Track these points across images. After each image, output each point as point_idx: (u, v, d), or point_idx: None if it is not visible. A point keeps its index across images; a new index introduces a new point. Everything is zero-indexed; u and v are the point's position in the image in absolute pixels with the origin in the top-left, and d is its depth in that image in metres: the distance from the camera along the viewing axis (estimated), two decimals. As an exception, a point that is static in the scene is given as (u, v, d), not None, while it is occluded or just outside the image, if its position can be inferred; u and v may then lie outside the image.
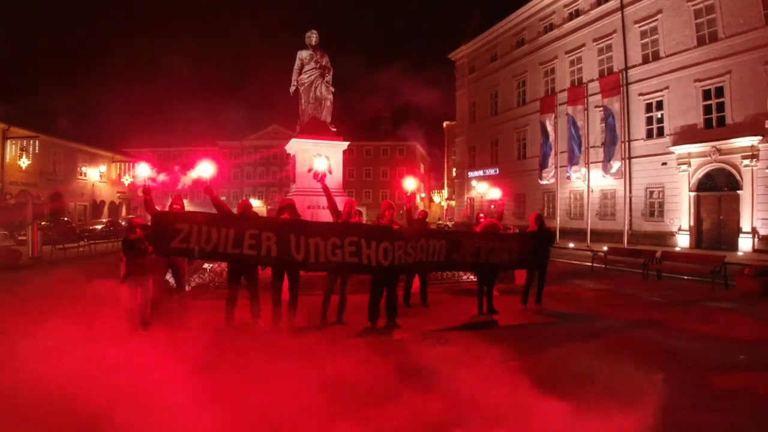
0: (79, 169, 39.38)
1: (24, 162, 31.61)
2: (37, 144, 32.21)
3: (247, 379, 5.06)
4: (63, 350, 5.84)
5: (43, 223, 25.52)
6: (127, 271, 6.38)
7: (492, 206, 33.25)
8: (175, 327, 7.10)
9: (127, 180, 44.06)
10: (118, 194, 44.93)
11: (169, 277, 8.39)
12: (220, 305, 7.36)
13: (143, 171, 6.80)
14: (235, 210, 7.57)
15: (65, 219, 30.90)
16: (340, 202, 8.08)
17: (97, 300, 8.95)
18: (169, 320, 7.55)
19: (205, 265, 11.26)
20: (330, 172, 12.52)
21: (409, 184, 8.30)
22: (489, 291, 8.33)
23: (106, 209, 42.64)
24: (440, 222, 51.04)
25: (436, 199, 74.30)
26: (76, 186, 38.68)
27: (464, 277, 11.48)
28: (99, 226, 30.70)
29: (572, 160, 25.61)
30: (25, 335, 6.30)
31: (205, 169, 6.97)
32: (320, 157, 8.87)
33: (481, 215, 9.98)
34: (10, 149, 30.69)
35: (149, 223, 6.64)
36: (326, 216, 8.06)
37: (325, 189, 7.59)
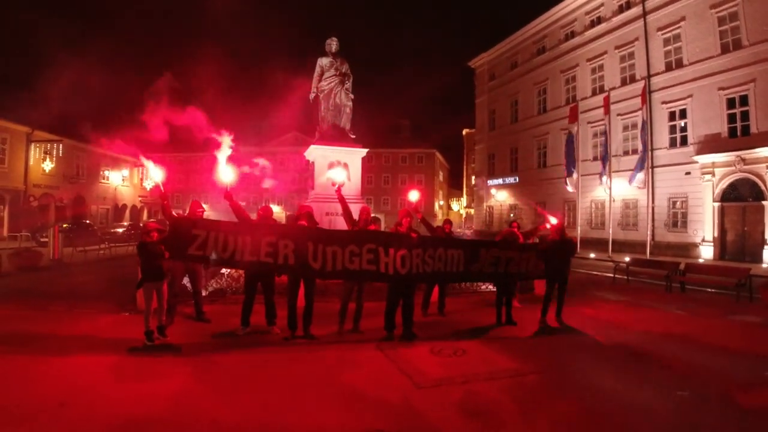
0: (101, 172, 40.05)
1: (47, 165, 32.26)
2: (60, 147, 32.85)
3: (260, 388, 5.03)
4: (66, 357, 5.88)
5: (64, 225, 25.92)
6: (142, 276, 6.39)
7: (512, 215, 33.00)
8: (190, 333, 7.13)
9: (148, 184, 44.71)
10: (140, 198, 45.56)
11: (186, 281, 8.44)
12: (237, 310, 7.40)
13: (157, 175, 6.82)
14: (254, 215, 7.58)
15: (87, 222, 31.36)
16: (356, 210, 8.03)
17: (113, 304, 9.07)
18: (184, 325, 7.60)
19: (223, 270, 11.31)
20: (348, 179, 12.51)
21: (413, 195, 8.41)
22: (508, 302, 8.21)
23: (127, 213, 43.27)
24: (459, 230, 50.78)
25: (455, 206, 74.07)
26: (98, 189, 39.34)
27: (483, 287, 11.35)
28: (120, 230, 31.10)
29: (604, 169, 25.24)
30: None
31: (225, 175, 6.98)
32: (338, 167, 8.81)
33: (515, 224, 9.58)
34: (34, 152, 31.35)
35: (165, 227, 6.65)
36: (344, 223, 8.02)
37: (341, 199, 7.55)
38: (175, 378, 5.20)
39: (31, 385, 4.91)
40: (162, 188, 6.70)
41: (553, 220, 8.77)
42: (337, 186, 7.75)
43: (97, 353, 5.99)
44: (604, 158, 24.89)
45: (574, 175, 26.83)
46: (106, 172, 40.75)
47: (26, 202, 30.40)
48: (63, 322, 7.74)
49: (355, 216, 7.77)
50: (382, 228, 8.48)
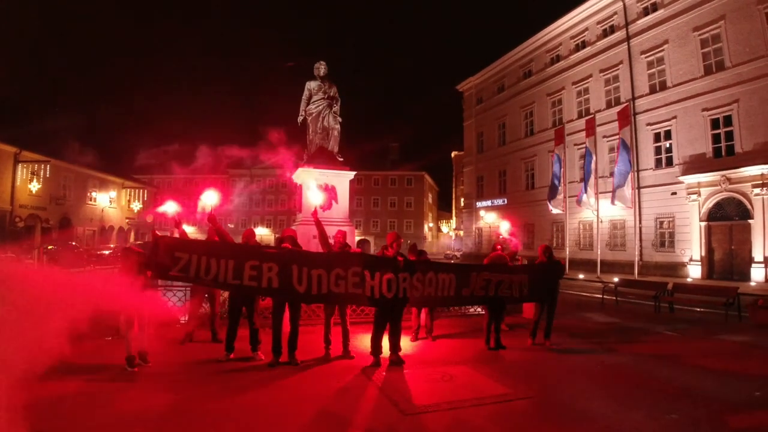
0: (89, 194, 39.73)
1: (34, 186, 31.95)
2: (48, 168, 32.60)
3: (243, 416, 4.91)
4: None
5: (50, 247, 25.60)
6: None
7: (500, 236, 32.89)
8: (173, 359, 6.99)
9: (136, 206, 44.52)
10: (127, 220, 45.19)
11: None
12: (221, 335, 7.27)
13: (170, 207, 6.91)
14: (239, 239, 7.52)
15: (73, 243, 31.00)
16: (350, 233, 7.94)
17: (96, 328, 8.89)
18: (168, 350, 7.46)
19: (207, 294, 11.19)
20: (336, 202, 12.45)
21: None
22: (497, 325, 8.13)
23: (114, 234, 42.84)
24: (448, 252, 50.77)
25: (444, 229, 74.18)
26: (85, 211, 38.97)
27: (471, 310, 11.28)
28: (107, 251, 30.75)
29: (584, 190, 25.47)
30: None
31: (208, 198, 6.98)
32: (317, 190, 8.69)
33: (499, 246, 9.55)
34: (21, 173, 31.08)
35: (144, 249, 6.60)
36: (333, 247, 7.92)
37: (317, 222, 7.42)
38: (155, 405, 5.06)
39: (4, 414, 4.75)
40: (177, 217, 6.93)
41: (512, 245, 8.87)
42: (314, 209, 7.65)
43: (76, 380, 5.83)
44: (587, 179, 25.14)
45: (559, 197, 27.04)
46: (94, 194, 40.42)
47: (12, 223, 30.04)
48: (42, 347, 7.55)
49: (350, 239, 7.71)
50: (371, 251, 8.30)
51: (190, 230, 33.90)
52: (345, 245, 7.53)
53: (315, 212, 7.48)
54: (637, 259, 23.61)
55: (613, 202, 23.68)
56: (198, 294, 8.25)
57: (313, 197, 7.90)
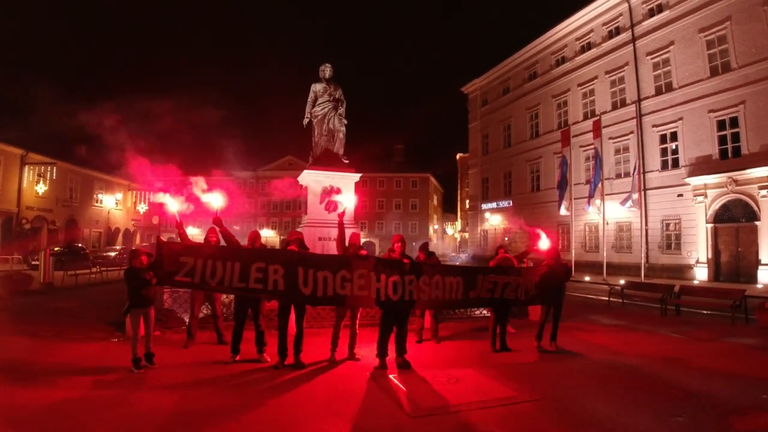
0: (95, 196, 39.94)
1: (41, 188, 32.16)
2: (54, 170, 32.81)
3: (247, 419, 4.91)
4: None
5: (56, 248, 25.75)
6: (130, 302, 6.30)
7: (506, 238, 32.92)
8: (179, 361, 7.01)
9: (142, 208, 44.69)
10: (133, 222, 45.37)
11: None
12: (227, 337, 7.29)
13: (172, 205, 6.83)
14: (245, 241, 7.53)
15: (79, 245, 31.16)
16: (349, 234, 7.97)
17: (102, 330, 8.94)
18: (174, 353, 7.48)
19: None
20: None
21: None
22: (503, 327, 8.12)
23: (120, 236, 43.03)
24: (453, 255, 50.71)
25: (449, 230, 74.07)
26: (91, 213, 39.16)
27: (477, 312, 11.25)
28: (113, 253, 30.90)
29: (591, 192, 25.37)
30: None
31: (214, 200, 6.97)
32: (341, 194, 8.74)
33: (502, 249, 9.49)
34: (28, 175, 31.30)
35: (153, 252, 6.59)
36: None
37: (341, 224, 7.46)
38: (161, 407, 5.07)
39: (13, 415, 4.78)
40: (178, 218, 6.79)
41: (544, 245, 8.66)
42: (341, 210, 7.68)
43: (82, 381, 5.86)
44: (595, 181, 25.02)
45: (565, 199, 26.93)
46: (100, 196, 40.64)
47: (18, 225, 30.22)
48: (50, 349, 7.60)
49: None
50: (377, 252, 8.30)
51: (195, 232, 33.94)
52: (359, 247, 7.55)
53: (342, 215, 7.55)
54: (643, 261, 23.51)
55: (632, 197, 23.43)
56: (198, 296, 8.18)
57: (340, 199, 7.91)
